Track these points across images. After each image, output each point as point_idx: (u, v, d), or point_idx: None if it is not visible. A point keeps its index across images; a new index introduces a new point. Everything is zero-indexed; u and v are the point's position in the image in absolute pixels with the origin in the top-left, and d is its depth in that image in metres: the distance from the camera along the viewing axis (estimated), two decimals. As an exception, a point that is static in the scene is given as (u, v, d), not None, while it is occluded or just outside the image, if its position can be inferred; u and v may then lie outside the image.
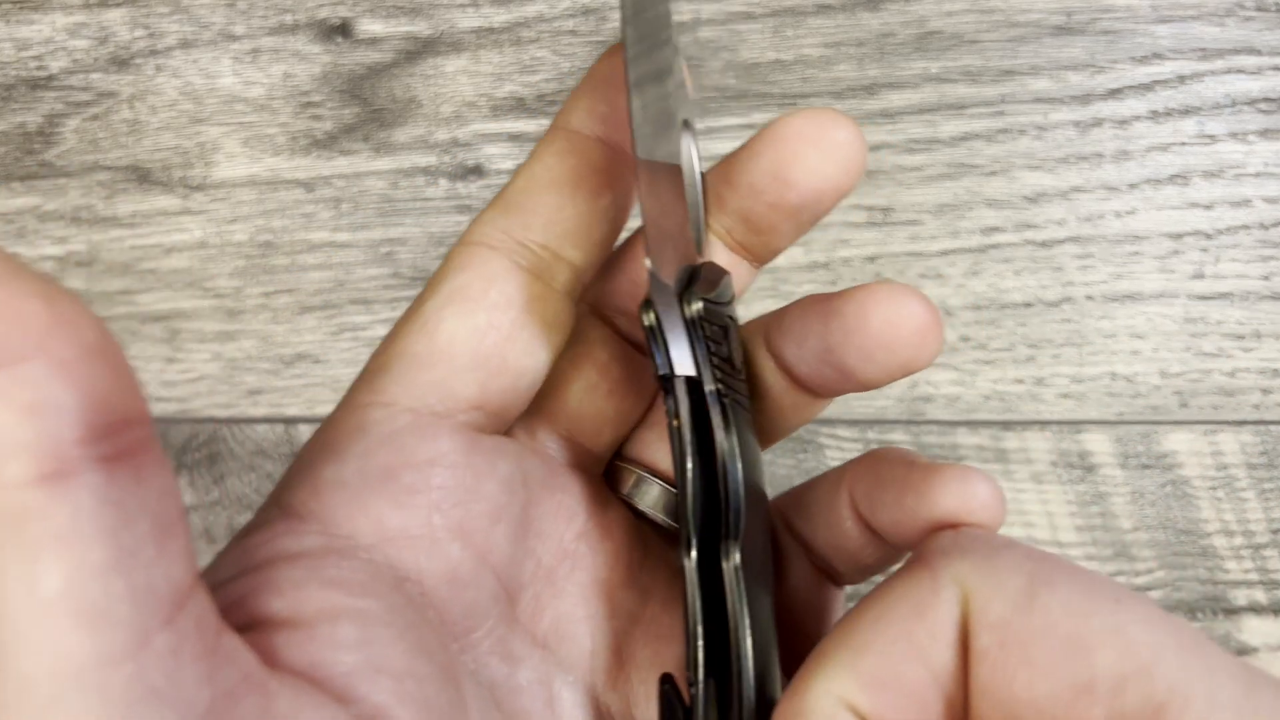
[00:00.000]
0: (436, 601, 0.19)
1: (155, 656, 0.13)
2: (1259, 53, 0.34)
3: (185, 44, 0.37)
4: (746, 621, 0.19)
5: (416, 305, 0.20)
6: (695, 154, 0.22)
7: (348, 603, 0.17)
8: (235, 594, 0.17)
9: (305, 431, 0.35)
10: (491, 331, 0.20)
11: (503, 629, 0.20)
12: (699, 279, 0.21)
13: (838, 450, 0.34)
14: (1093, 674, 0.16)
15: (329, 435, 0.20)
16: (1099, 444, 0.33)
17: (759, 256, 0.22)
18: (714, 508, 0.20)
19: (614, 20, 0.36)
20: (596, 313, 0.23)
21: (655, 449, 0.23)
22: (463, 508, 0.19)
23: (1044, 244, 0.34)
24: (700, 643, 0.20)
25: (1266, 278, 0.33)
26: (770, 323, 0.21)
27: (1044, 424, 0.33)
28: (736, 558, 0.19)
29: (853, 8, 0.35)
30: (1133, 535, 0.33)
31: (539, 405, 0.22)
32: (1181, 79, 0.34)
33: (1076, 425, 0.33)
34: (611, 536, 0.22)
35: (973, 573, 0.17)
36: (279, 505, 0.19)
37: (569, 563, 0.21)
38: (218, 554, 0.18)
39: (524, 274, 0.20)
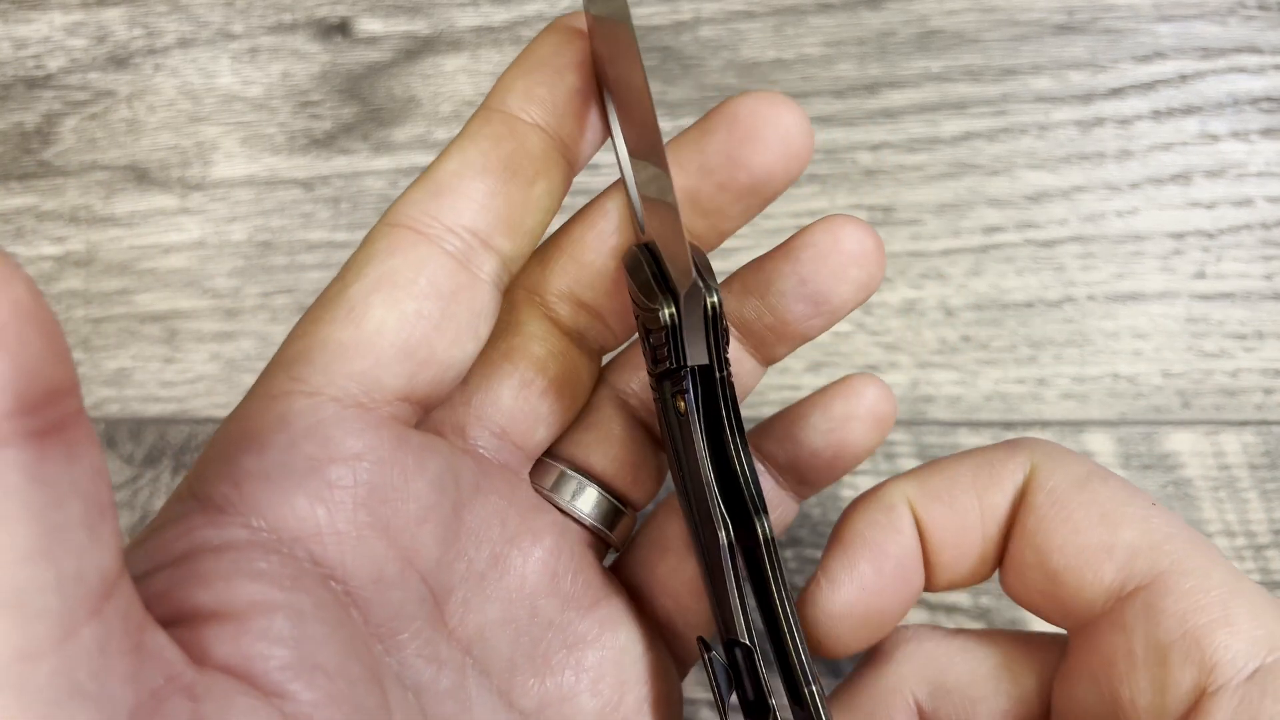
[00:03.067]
0: (360, 601, 0.18)
1: (81, 651, 0.12)
2: (1261, 52, 0.34)
3: (183, 43, 0.37)
4: (786, 589, 0.21)
5: (340, 288, 0.19)
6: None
7: (279, 596, 0.16)
8: (157, 587, 0.16)
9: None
10: (421, 321, 0.19)
11: (429, 632, 0.19)
12: (704, 265, 0.20)
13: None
14: (1114, 541, 0.19)
15: (248, 424, 0.18)
16: (1101, 444, 0.33)
17: (705, 242, 0.22)
18: (733, 489, 0.21)
19: (614, 19, 0.36)
20: (533, 303, 0.22)
21: (588, 449, 0.23)
22: (390, 505, 0.19)
23: (1046, 243, 0.34)
24: (738, 609, 0.20)
25: (1268, 277, 0.33)
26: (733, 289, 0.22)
27: (1045, 424, 0.33)
28: (769, 530, 0.20)
29: (854, 6, 0.35)
30: (1134, 536, 0.33)
31: (472, 402, 0.21)
32: (1183, 78, 0.34)
33: (1078, 425, 0.33)
34: (540, 541, 0.21)
35: (1044, 455, 0.21)
36: (196, 497, 0.18)
37: (499, 567, 0.21)
38: (126, 548, 0.17)
39: (452, 261, 0.20)
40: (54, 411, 0.12)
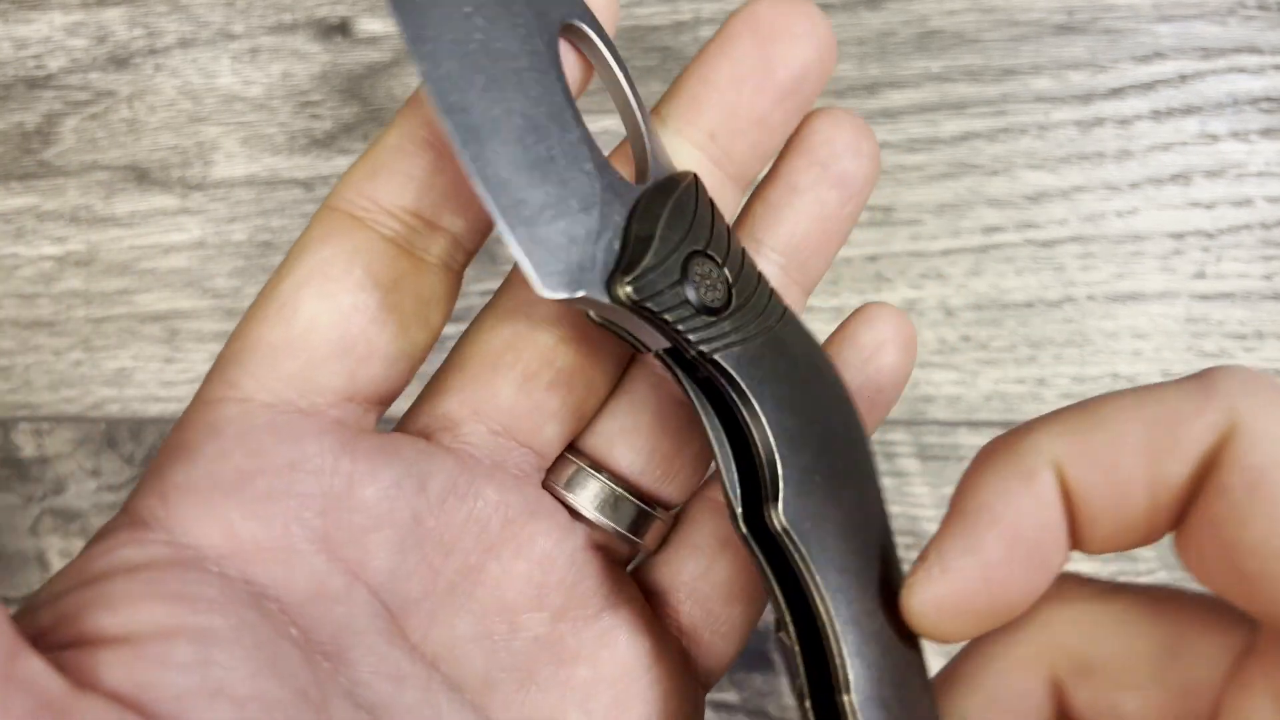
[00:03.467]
0: (300, 618, 0.17)
1: None
2: (1261, 52, 0.34)
3: (184, 43, 0.37)
4: (817, 580, 0.18)
5: (273, 284, 0.18)
6: (614, 61, 0.19)
7: (188, 620, 0.15)
8: (66, 609, 0.15)
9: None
10: (356, 315, 0.18)
11: (385, 647, 0.18)
12: (631, 240, 0.18)
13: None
14: None
15: (180, 435, 0.17)
16: (1100, 444, 0.33)
17: (748, 164, 0.20)
18: (751, 472, 0.18)
19: (614, 19, 0.36)
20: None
21: (610, 441, 0.21)
22: (329, 517, 0.17)
23: (1045, 243, 0.34)
24: (783, 605, 0.18)
25: (1268, 277, 0.33)
26: None
27: (1045, 424, 0.33)
28: (780, 521, 0.18)
29: (854, 6, 0.35)
30: (1134, 536, 0.33)
31: (465, 396, 0.20)
32: (1183, 78, 0.34)
33: (1078, 425, 0.33)
34: (524, 551, 0.20)
35: (1251, 412, 0.15)
36: (126, 512, 0.17)
37: (471, 579, 0.19)
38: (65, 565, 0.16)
39: (392, 247, 0.18)
40: None
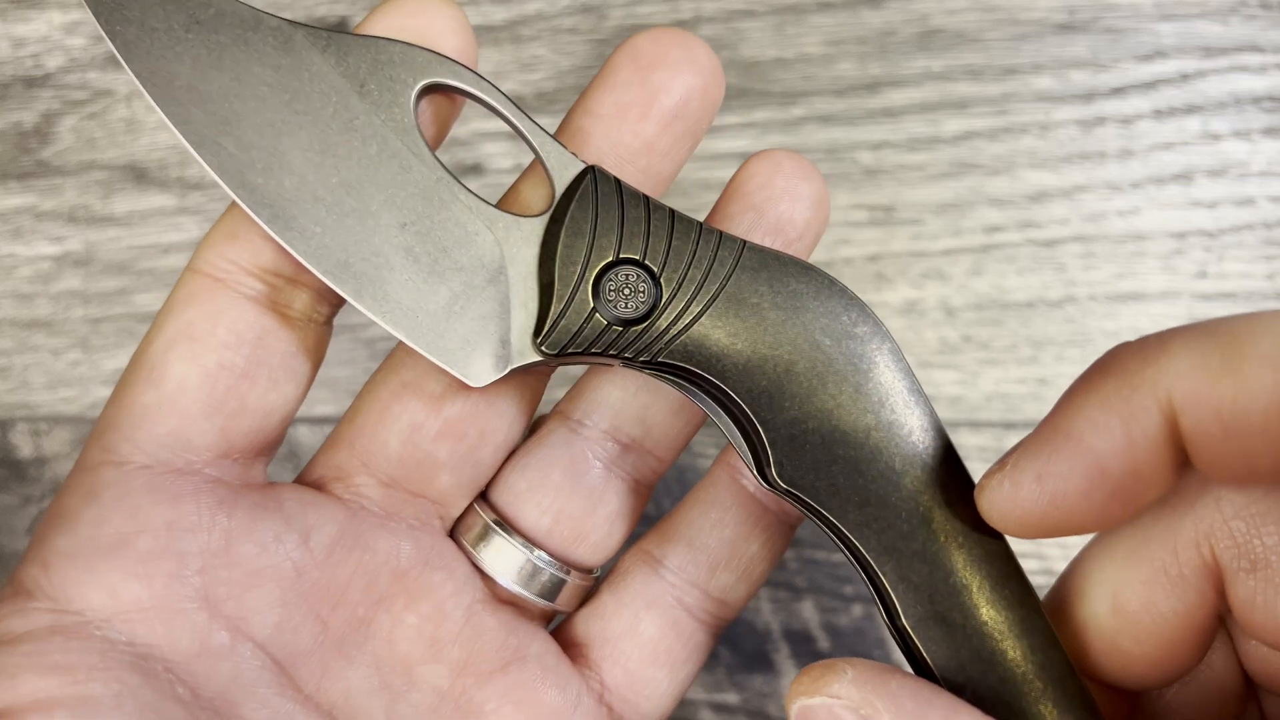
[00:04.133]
0: (186, 676, 0.17)
1: None
2: (1263, 51, 0.34)
3: (182, 42, 0.37)
4: (837, 525, 0.18)
5: (143, 348, 0.19)
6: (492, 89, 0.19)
7: (67, 690, 0.16)
8: None
9: (302, 432, 0.35)
10: (224, 373, 0.18)
11: (278, 700, 0.18)
12: (539, 289, 0.18)
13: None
14: None
15: (62, 502, 0.18)
16: (1102, 444, 0.33)
17: (648, 189, 0.20)
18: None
19: (614, 18, 0.35)
20: None
21: (519, 497, 0.21)
22: (209, 574, 0.18)
23: (1047, 243, 0.34)
24: (838, 543, 0.18)
25: (1270, 277, 0.33)
26: None
27: (1047, 424, 0.33)
28: (779, 484, 0.18)
29: (855, 5, 0.35)
30: (1136, 536, 0.33)
31: (356, 448, 0.20)
32: (1185, 77, 0.34)
33: (1080, 425, 0.33)
34: (416, 604, 0.20)
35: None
36: (10, 583, 0.17)
37: (362, 631, 0.19)
38: None
39: (254, 306, 0.19)
40: None
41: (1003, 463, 0.17)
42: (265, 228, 0.18)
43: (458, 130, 0.36)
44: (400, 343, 0.19)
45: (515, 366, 0.18)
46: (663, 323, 0.18)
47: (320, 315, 0.20)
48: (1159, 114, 0.34)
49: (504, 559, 0.21)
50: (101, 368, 0.36)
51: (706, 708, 0.33)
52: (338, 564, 0.19)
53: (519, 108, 0.18)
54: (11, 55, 0.38)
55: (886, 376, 0.18)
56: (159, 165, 0.37)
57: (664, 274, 0.18)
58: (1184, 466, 0.15)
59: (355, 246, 0.17)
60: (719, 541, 0.21)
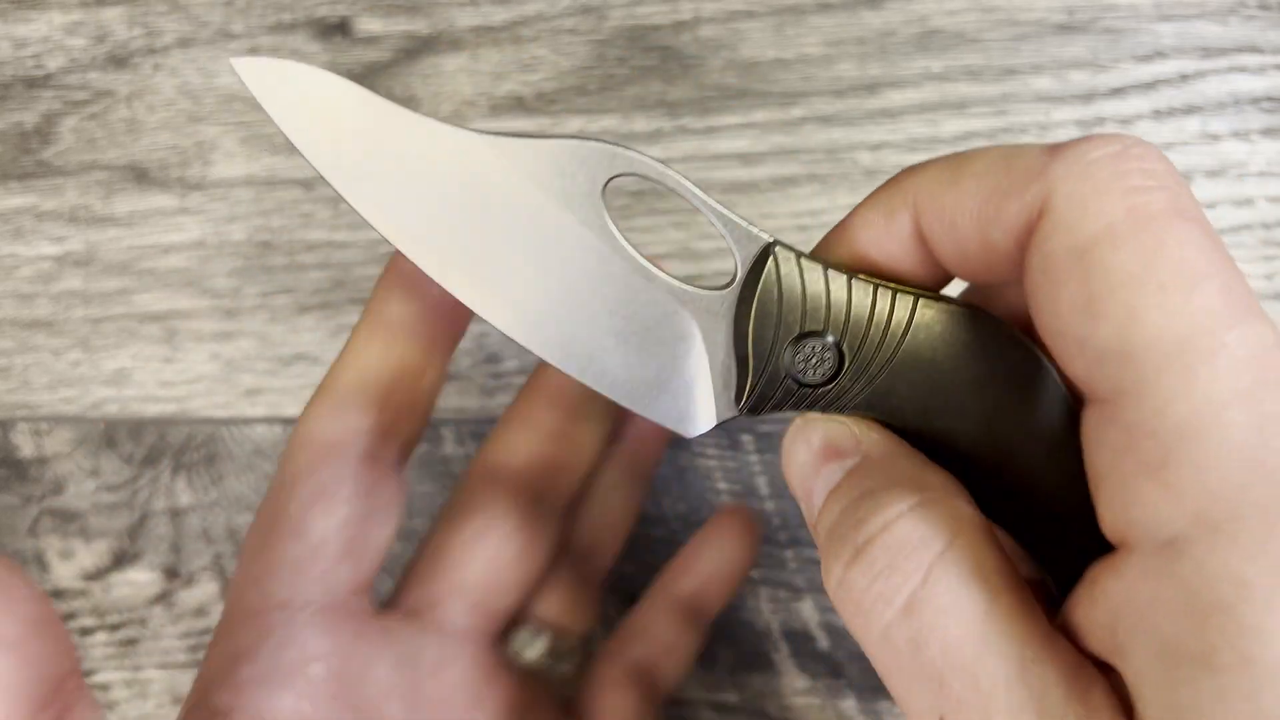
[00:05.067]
0: None
1: None
2: (1262, 51, 0.34)
3: (183, 42, 0.37)
4: None
5: (281, 506, 0.23)
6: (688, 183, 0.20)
7: None
8: None
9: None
10: (354, 522, 0.23)
11: None
12: (735, 361, 0.20)
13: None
14: (1088, 335, 0.16)
15: (238, 641, 0.23)
16: (1101, 444, 0.33)
17: None
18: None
19: (614, 18, 0.35)
20: (485, 470, 0.26)
21: (553, 604, 0.27)
22: (355, 690, 0.23)
23: (1046, 243, 0.34)
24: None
25: (1269, 277, 0.33)
26: None
27: (1046, 424, 0.33)
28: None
29: (854, 6, 0.35)
30: (1135, 536, 0.33)
31: (442, 575, 0.25)
32: (1184, 78, 0.34)
33: (1079, 425, 0.33)
34: (484, 705, 0.25)
35: (1064, 196, 0.16)
36: (205, 706, 0.22)
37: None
38: None
39: (364, 464, 0.24)
40: (62, 698, 0.15)
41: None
42: (506, 333, 0.21)
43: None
44: (452, 494, 0.27)
45: (720, 421, 0.20)
46: (847, 382, 0.19)
47: (406, 456, 0.25)
48: (1158, 114, 0.34)
49: (538, 648, 0.28)
50: (102, 367, 0.36)
51: (706, 707, 0.33)
52: (441, 679, 0.25)
53: (695, 187, 0.20)
54: (12, 55, 0.38)
55: (1055, 411, 0.19)
56: (160, 165, 0.37)
57: (845, 340, 0.19)
58: (932, 259, 0.19)
59: (573, 334, 0.20)
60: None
